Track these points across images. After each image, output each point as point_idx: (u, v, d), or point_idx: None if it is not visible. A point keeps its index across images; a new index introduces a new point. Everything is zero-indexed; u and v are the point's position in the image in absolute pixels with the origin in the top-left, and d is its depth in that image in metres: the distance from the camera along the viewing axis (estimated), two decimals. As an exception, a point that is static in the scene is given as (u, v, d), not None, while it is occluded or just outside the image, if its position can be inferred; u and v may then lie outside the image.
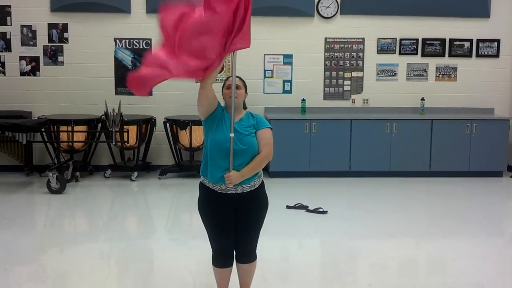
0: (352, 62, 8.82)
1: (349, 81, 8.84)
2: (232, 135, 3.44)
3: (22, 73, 8.44)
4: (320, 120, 8.28)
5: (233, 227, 3.57)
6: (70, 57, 8.44)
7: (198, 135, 7.91)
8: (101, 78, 8.48)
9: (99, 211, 6.72)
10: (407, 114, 8.73)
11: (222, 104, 3.67)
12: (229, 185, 3.45)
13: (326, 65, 8.79)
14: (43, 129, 7.71)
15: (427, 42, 8.85)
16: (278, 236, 5.60)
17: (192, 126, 7.91)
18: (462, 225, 6.12)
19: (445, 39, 8.87)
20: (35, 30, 8.38)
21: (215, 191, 3.53)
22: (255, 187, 3.58)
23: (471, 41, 8.90)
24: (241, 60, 9.26)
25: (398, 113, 8.70)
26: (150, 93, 8.06)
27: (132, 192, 7.65)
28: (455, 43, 8.89)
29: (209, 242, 3.67)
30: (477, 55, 8.94)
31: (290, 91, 8.76)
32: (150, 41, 8.49)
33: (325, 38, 8.73)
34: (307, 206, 6.57)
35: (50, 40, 8.41)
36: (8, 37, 8.36)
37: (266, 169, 8.05)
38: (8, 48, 8.38)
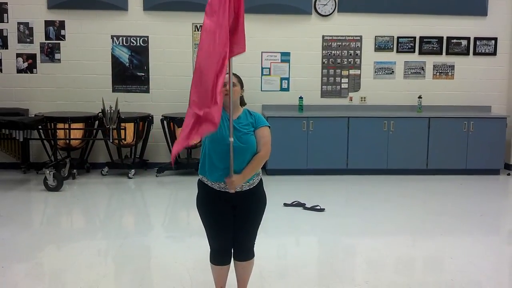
0: (349, 60, 8.82)
1: (347, 79, 8.84)
2: (231, 139, 3.38)
3: (19, 71, 8.42)
4: (317, 118, 8.28)
5: (232, 225, 3.56)
6: (67, 54, 8.42)
7: (195, 133, 7.89)
8: (98, 75, 8.47)
9: (96, 209, 6.71)
10: (404, 112, 8.74)
11: None
12: (231, 189, 3.43)
13: (324, 63, 8.79)
14: (40, 127, 7.70)
15: (425, 40, 8.86)
16: (275, 233, 5.60)
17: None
18: (459, 223, 6.13)
19: (443, 37, 8.88)
20: (32, 27, 8.36)
21: (213, 189, 3.52)
22: (254, 185, 3.57)
23: (468, 39, 8.91)
24: (238, 57, 9.25)
25: (395, 111, 8.71)
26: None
27: (129, 189, 7.64)
28: (452, 41, 8.89)
29: (206, 239, 3.66)
30: (475, 53, 8.95)
31: (287, 89, 8.75)
32: (147, 39, 8.48)
33: (323, 36, 8.73)
34: (305, 204, 6.58)
35: (47, 37, 8.39)
36: (4, 34, 8.34)
37: (263, 167, 8.02)
38: (4, 45, 8.36)
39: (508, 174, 8.66)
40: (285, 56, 8.72)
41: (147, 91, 8.59)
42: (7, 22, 8.33)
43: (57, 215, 6.49)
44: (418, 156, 8.43)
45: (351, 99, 8.86)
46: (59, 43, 8.41)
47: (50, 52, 8.42)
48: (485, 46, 8.95)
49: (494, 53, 8.96)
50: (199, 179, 3.61)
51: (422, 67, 8.92)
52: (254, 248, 3.72)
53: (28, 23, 8.36)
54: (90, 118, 8.08)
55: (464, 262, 4.92)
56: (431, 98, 8.88)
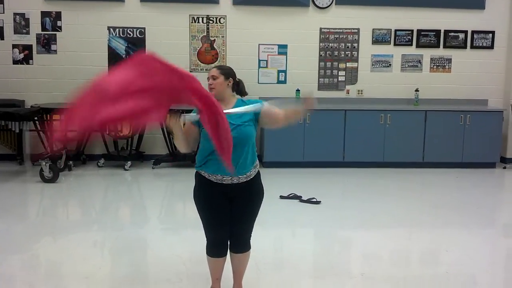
0: (347, 52, 8.80)
1: (344, 72, 8.83)
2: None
3: (15, 62, 8.39)
4: (314, 111, 8.27)
5: (228, 217, 3.56)
6: (64, 45, 8.39)
7: (192, 125, 7.88)
8: (95, 67, 8.43)
9: (92, 201, 6.71)
10: (401, 105, 8.74)
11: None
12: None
13: (321, 55, 8.77)
14: (36, 118, 7.67)
15: (422, 33, 8.85)
16: (271, 226, 5.60)
17: (186, 116, 7.86)
18: (455, 215, 6.14)
19: (440, 30, 8.87)
20: (28, 18, 8.32)
21: (210, 181, 3.51)
22: (251, 177, 3.55)
23: (466, 32, 8.90)
24: (235, 49, 9.29)
25: (392, 104, 8.71)
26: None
27: (125, 181, 7.63)
28: (450, 34, 8.88)
29: (203, 231, 3.66)
30: (472, 47, 8.94)
31: (284, 81, 8.74)
32: (144, 30, 8.45)
33: (320, 29, 8.71)
34: (301, 196, 6.58)
35: (43, 28, 8.35)
36: (0, 25, 8.29)
37: (260, 159, 8.04)
38: (0, 36, 8.32)
39: (504, 168, 8.68)
40: (282, 49, 8.69)
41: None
42: (3, 12, 8.29)
43: (53, 206, 6.48)
44: (415, 149, 8.44)
45: (348, 92, 8.86)
46: (56, 34, 8.37)
47: (47, 43, 8.38)
48: (483, 40, 8.94)
49: (491, 47, 8.95)
50: (196, 170, 3.60)
51: (419, 60, 8.92)
52: (251, 240, 3.72)
53: (24, 14, 8.31)
54: (86, 110, 8.03)
55: (459, 254, 4.93)
56: (428, 92, 8.88)
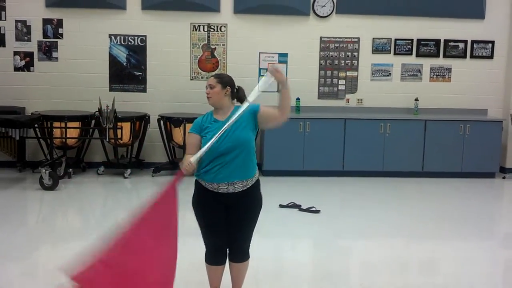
0: (347, 61, 8.82)
1: (344, 81, 8.85)
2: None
3: (16, 69, 8.40)
4: (314, 119, 8.29)
5: (225, 225, 3.57)
6: (65, 53, 8.41)
7: (192, 133, 7.89)
8: (96, 74, 8.46)
9: (92, 208, 6.71)
10: (401, 114, 8.75)
11: (205, 110, 3.64)
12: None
13: (321, 64, 8.79)
14: (36, 125, 7.67)
15: (422, 42, 8.87)
16: (270, 235, 5.59)
17: (186, 124, 7.89)
18: (454, 225, 6.14)
19: (440, 39, 8.89)
20: (30, 25, 8.35)
21: (209, 190, 3.53)
22: (248, 186, 3.56)
23: (465, 42, 8.92)
24: (236, 58, 9.31)
25: (392, 113, 8.72)
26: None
27: (125, 189, 7.63)
28: (449, 44, 8.91)
29: (201, 239, 3.67)
30: (472, 56, 8.96)
31: (284, 90, 8.73)
32: (145, 38, 8.48)
33: (321, 37, 8.73)
34: (300, 205, 6.58)
35: (45, 35, 8.37)
36: (2, 32, 8.32)
37: (259, 168, 8.03)
38: (2, 43, 8.33)
39: (504, 178, 8.68)
40: (283, 57, 8.72)
41: (144, 90, 8.58)
42: (5, 19, 8.31)
43: (53, 214, 6.48)
44: (414, 158, 8.44)
45: (348, 101, 8.87)
46: (57, 41, 8.40)
47: (48, 51, 8.40)
48: (482, 49, 8.96)
49: (491, 57, 8.97)
50: (195, 178, 3.61)
51: (419, 70, 8.94)
52: (249, 249, 3.72)
53: (26, 21, 8.34)
54: (86, 117, 8.07)
55: (458, 265, 4.94)
56: (428, 101, 8.89)
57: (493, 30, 8.91)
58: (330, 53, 8.78)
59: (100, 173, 8.19)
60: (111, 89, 8.48)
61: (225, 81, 3.62)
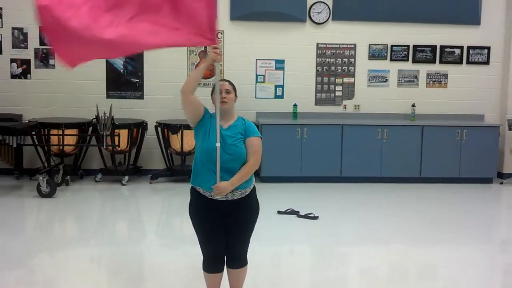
0: (343, 67, 8.85)
1: (341, 87, 8.87)
2: (218, 144, 3.39)
3: (13, 76, 8.40)
4: (311, 126, 8.30)
5: (223, 232, 3.56)
6: (62, 60, 8.39)
7: (189, 140, 7.90)
8: (93, 81, 8.46)
9: (90, 215, 6.69)
10: (398, 120, 8.77)
11: (212, 110, 3.62)
12: (218, 195, 3.44)
13: (318, 70, 8.82)
14: (33, 133, 7.67)
15: (418, 48, 8.91)
16: (269, 241, 5.59)
17: (184, 131, 7.90)
18: (452, 231, 6.15)
19: (436, 46, 8.93)
20: (27, 33, 8.35)
21: (205, 197, 3.53)
22: (246, 194, 3.57)
23: (461, 48, 8.96)
24: (232, 64, 9.32)
25: (389, 119, 8.74)
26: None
27: (122, 196, 7.62)
28: (445, 50, 8.95)
29: (199, 247, 3.66)
30: (468, 62, 9.00)
31: (282, 96, 8.77)
32: (142, 45, 8.47)
33: (317, 44, 8.76)
34: (298, 212, 6.58)
35: (42, 43, 8.37)
36: (-1, 39, 8.33)
37: (257, 174, 8.05)
38: (-1, 50, 8.35)
39: (501, 183, 8.69)
40: (280, 64, 8.74)
41: (141, 97, 8.58)
42: (2, 27, 8.32)
43: (50, 221, 6.47)
44: (412, 164, 8.46)
45: (345, 107, 8.89)
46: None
47: (45, 58, 8.41)
48: (478, 55, 9.00)
49: (487, 62, 9.01)
50: (192, 186, 3.61)
51: (416, 76, 8.97)
52: (248, 255, 3.72)
53: (22, 28, 8.35)
54: (84, 124, 8.06)
55: (457, 270, 4.94)
56: (425, 107, 8.91)
57: (489, 36, 8.96)
58: (327, 60, 8.80)
59: (97, 180, 8.18)
60: (108, 96, 8.49)
61: (235, 89, 3.70)
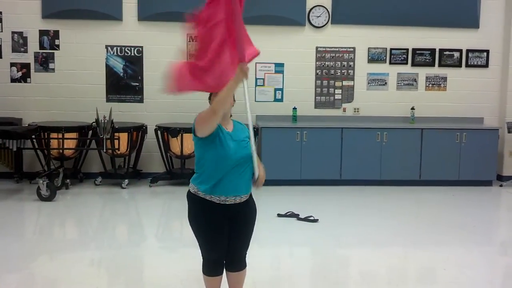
0: (343, 71, 8.87)
1: (340, 90, 8.89)
2: (252, 142, 3.47)
3: (13, 80, 8.42)
4: (311, 129, 8.31)
5: (226, 237, 3.55)
6: (61, 64, 8.43)
7: (189, 143, 7.91)
8: (92, 85, 8.48)
9: (89, 219, 6.69)
10: (397, 123, 8.78)
11: None
12: (260, 185, 3.50)
13: (317, 74, 8.83)
14: (33, 136, 7.67)
15: (417, 52, 8.93)
16: (269, 244, 5.60)
17: (183, 134, 7.91)
18: (452, 233, 6.15)
19: (435, 49, 8.95)
20: (26, 37, 8.37)
21: (212, 202, 3.46)
22: (248, 196, 3.58)
23: (460, 51, 8.98)
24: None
25: (388, 122, 8.75)
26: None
27: (122, 199, 7.62)
28: (444, 53, 8.96)
29: (199, 250, 3.65)
30: (467, 65, 9.02)
31: (281, 100, 8.79)
32: (142, 49, 8.51)
33: (316, 47, 8.78)
34: (298, 215, 6.58)
35: (41, 47, 8.40)
36: (-1, 43, 8.35)
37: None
38: (-2, 54, 8.36)
39: (501, 185, 8.70)
40: (279, 67, 8.75)
41: (141, 101, 8.60)
42: (1, 31, 8.34)
43: (50, 225, 6.47)
44: (411, 167, 8.47)
45: (344, 110, 8.90)
46: (53, 52, 8.42)
47: (44, 62, 8.42)
48: (477, 58, 9.02)
49: (486, 65, 9.03)
50: (191, 193, 3.54)
51: (415, 79, 8.99)
52: (248, 258, 3.72)
53: (22, 32, 8.36)
54: (83, 128, 8.07)
55: (456, 273, 4.94)
56: (424, 110, 8.93)
57: (488, 39, 8.98)
58: (326, 63, 8.82)
59: (97, 183, 8.18)
60: (108, 100, 8.50)
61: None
